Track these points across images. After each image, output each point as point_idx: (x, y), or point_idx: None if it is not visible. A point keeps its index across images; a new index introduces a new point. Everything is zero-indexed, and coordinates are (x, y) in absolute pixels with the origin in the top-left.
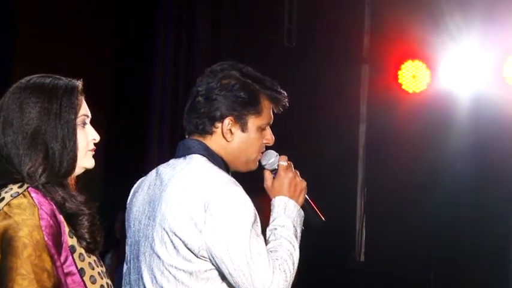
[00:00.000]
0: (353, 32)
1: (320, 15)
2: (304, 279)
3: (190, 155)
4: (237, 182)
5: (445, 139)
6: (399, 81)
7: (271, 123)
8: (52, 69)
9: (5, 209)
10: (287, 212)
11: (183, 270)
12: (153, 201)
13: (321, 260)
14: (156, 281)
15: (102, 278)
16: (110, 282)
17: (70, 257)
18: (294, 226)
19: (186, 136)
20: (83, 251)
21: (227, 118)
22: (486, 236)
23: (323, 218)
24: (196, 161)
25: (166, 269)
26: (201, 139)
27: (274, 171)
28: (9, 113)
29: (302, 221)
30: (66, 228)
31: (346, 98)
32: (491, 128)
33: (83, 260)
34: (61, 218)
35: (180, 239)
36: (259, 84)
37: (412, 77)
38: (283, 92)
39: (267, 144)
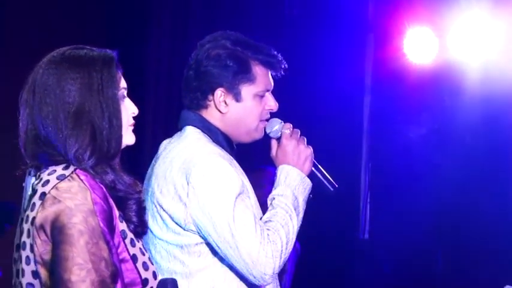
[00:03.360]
0: None
1: None
2: (305, 258)
3: (185, 127)
4: (223, 153)
5: (454, 112)
6: (406, 51)
7: (270, 89)
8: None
9: (53, 192)
10: (288, 181)
11: (174, 244)
12: (150, 175)
13: (324, 239)
14: (152, 256)
15: (152, 264)
16: (155, 269)
17: (122, 243)
18: (293, 195)
19: None
20: (132, 236)
21: (218, 89)
22: (497, 213)
23: (335, 185)
24: (187, 133)
25: (158, 243)
26: (199, 113)
27: (280, 140)
28: (46, 90)
29: (307, 190)
30: (116, 212)
31: (350, 68)
32: (503, 101)
33: (134, 246)
34: (112, 202)
35: (167, 213)
36: (250, 51)
37: (419, 47)
38: (277, 55)
39: (271, 111)
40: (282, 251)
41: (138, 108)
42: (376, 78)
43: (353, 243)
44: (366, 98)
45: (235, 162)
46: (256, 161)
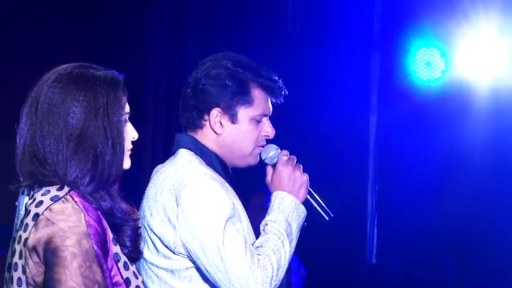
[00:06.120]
0: (362, 16)
1: None
2: (311, 283)
3: (178, 150)
4: (215, 175)
5: (462, 131)
6: (412, 69)
7: (268, 114)
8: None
9: (46, 214)
10: (281, 207)
11: (164, 269)
12: (143, 198)
13: (330, 263)
14: (143, 282)
15: None
16: None
17: (115, 266)
18: (287, 221)
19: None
20: (126, 259)
21: (214, 109)
22: (507, 231)
23: (330, 214)
24: (180, 156)
25: (149, 268)
26: (193, 134)
27: (275, 166)
28: (49, 108)
29: (302, 217)
30: (110, 235)
31: (355, 87)
32: (511, 119)
33: (128, 269)
34: (106, 224)
35: (157, 236)
36: (250, 73)
37: (426, 65)
38: (278, 80)
39: (267, 138)
40: (272, 277)
41: (137, 132)
42: (383, 97)
43: (360, 268)
44: (372, 117)
45: (227, 185)
46: (256, 184)
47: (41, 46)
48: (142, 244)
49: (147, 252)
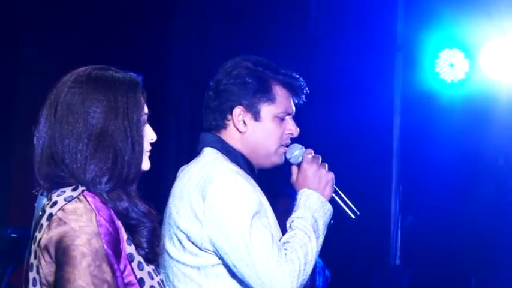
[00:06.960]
0: (386, 17)
1: (350, 0)
2: (336, 285)
3: (203, 148)
4: (241, 172)
5: (486, 132)
6: (436, 70)
7: (291, 113)
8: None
9: (59, 214)
10: (307, 204)
11: (191, 266)
12: (169, 197)
13: (354, 265)
14: (169, 280)
15: None
16: None
17: (129, 266)
18: (313, 218)
19: None
20: (141, 259)
21: (237, 107)
22: None
23: (357, 212)
24: (205, 154)
25: (175, 266)
26: (217, 134)
27: (300, 165)
28: (69, 109)
29: (328, 214)
30: (124, 235)
31: (379, 88)
32: None
33: (142, 269)
34: (119, 223)
35: (183, 232)
36: (271, 71)
37: (449, 66)
38: (299, 78)
39: (291, 136)
40: (300, 271)
41: (160, 135)
42: (406, 99)
43: (384, 270)
44: (395, 118)
45: (253, 181)
46: (281, 186)
47: (64, 48)
48: (167, 242)
49: (174, 249)
